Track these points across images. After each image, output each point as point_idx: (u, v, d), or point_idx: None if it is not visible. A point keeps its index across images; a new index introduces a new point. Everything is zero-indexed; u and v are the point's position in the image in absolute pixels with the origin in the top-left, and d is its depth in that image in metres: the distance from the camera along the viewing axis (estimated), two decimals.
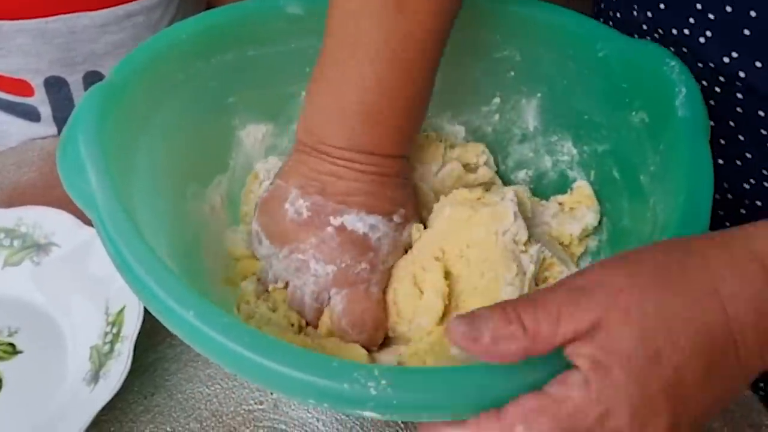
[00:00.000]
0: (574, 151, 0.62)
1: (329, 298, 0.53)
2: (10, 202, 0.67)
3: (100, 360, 0.56)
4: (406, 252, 0.55)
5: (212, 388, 0.57)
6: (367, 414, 0.37)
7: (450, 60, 0.62)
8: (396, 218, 0.54)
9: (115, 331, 0.56)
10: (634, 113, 0.55)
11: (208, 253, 0.56)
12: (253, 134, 0.62)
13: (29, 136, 0.79)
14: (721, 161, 0.62)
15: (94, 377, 0.55)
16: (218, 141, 0.60)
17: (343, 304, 0.52)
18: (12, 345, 0.59)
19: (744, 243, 0.39)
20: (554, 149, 0.63)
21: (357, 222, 0.52)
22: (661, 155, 0.52)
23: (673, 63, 0.53)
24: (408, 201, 0.55)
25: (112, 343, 0.56)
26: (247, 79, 0.60)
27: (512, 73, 0.62)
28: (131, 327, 0.55)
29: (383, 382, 0.37)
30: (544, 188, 0.63)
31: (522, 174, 0.65)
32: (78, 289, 0.60)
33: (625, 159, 0.57)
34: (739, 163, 0.62)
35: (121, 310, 0.57)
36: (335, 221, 0.52)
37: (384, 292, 0.54)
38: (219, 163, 0.60)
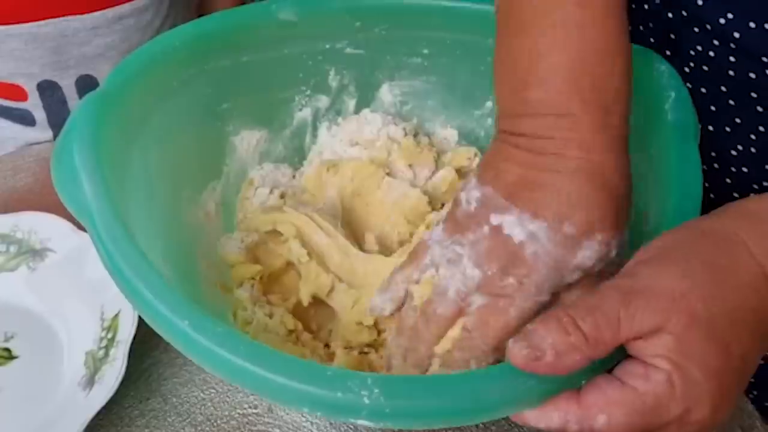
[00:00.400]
0: None
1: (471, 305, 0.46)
2: (7, 208, 0.67)
3: (95, 365, 0.56)
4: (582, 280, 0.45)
5: (207, 393, 0.57)
6: (361, 422, 0.38)
7: (442, 64, 0.63)
8: (567, 228, 0.44)
9: (110, 336, 0.57)
10: None
11: (203, 260, 0.56)
12: (247, 140, 0.62)
13: (26, 141, 0.79)
14: (711, 128, 0.62)
15: (90, 382, 0.55)
16: (212, 147, 0.61)
17: (477, 314, 0.46)
18: (8, 350, 0.59)
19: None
20: None
21: (515, 226, 0.44)
22: (651, 159, 0.52)
23: (663, 67, 0.54)
24: (597, 204, 0.44)
25: (107, 347, 0.56)
26: (241, 86, 0.60)
27: None
28: (126, 332, 0.55)
29: (376, 390, 0.37)
30: None
31: None
32: (73, 294, 0.60)
33: None
34: (728, 129, 0.62)
35: (116, 315, 0.57)
36: (494, 220, 0.45)
37: (524, 322, 0.45)
38: (213, 169, 0.61)
